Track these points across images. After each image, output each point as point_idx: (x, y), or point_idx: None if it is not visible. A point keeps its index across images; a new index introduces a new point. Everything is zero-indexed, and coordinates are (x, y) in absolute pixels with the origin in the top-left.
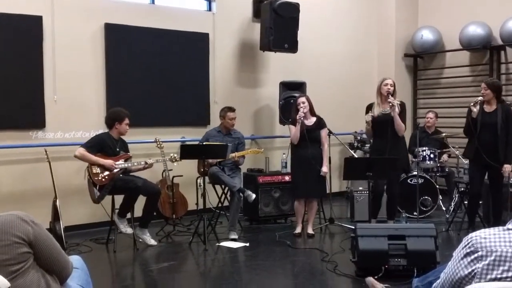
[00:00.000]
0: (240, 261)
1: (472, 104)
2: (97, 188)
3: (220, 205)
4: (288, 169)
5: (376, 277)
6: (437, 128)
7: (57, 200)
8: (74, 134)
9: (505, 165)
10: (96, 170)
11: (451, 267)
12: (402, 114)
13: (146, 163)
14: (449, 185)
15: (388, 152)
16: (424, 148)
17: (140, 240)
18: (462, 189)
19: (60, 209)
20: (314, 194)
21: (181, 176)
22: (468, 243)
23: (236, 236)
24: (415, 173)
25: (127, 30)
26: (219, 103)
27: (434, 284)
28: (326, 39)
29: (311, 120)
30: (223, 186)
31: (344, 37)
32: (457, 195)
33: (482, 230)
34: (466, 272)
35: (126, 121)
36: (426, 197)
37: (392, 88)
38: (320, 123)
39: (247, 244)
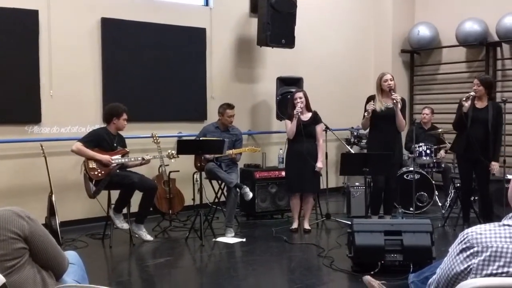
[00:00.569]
0: (237, 257)
1: (463, 98)
2: (93, 183)
3: (216, 200)
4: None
5: (372, 272)
6: (433, 124)
7: (53, 195)
8: (70, 129)
9: (493, 163)
10: (93, 165)
11: (447, 263)
12: (403, 109)
13: (143, 159)
14: (445, 180)
15: (389, 147)
16: (420, 144)
17: (136, 235)
18: (458, 185)
19: (55, 204)
20: (309, 189)
21: (178, 171)
22: (463, 239)
23: (232, 234)
24: (411, 168)
25: (124, 25)
26: (216, 99)
27: (430, 279)
28: (323, 35)
29: (307, 116)
30: (219, 182)
31: (341, 32)
32: (453, 191)
33: (478, 226)
34: (462, 267)
35: (124, 116)
36: (422, 192)
37: (392, 83)
38: (316, 119)
39: (244, 240)
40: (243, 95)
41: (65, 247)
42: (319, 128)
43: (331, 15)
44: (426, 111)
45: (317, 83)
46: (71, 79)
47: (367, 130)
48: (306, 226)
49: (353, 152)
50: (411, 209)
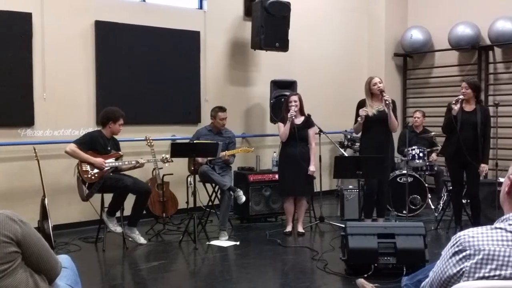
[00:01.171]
0: (231, 260)
1: (453, 102)
2: (86, 186)
3: (210, 203)
4: None
5: (365, 275)
6: (425, 127)
7: (46, 199)
8: (63, 132)
9: (482, 165)
10: (86, 167)
11: (439, 266)
12: (394, 111)
13: (137, 162)
14: (438, 183)
15: (381, 149)
16: (413, 147)
17: (130, 239)
18: (451, 187)
19: (48, 208)
20: (302, 192)
21: (171, 174)
22: (456, 242)
23: (226, 237)
24: (404, 171)
25: (118, 28)
26: (210, 102)
27: (423, 282)
28: (316, 38)
29: (300, 119)
30: (213, 185)
31: (335, 36)
32: (445, 194)
33: (470, 229)
34: (455, 270)
35: (121, 121)
36: (415, 195)
37: (382, 85)
38: (309, 122)
39: (238, 243)
40: (237, 98)
41: (58, 251)
42: (312, 131)
43: (325, 19)
44: (418, 114)
45: (310, 86)
46: (64, 82)
47: (360, 133)
48: (300, 229)
49: (346, 155)
50: (404, 212)
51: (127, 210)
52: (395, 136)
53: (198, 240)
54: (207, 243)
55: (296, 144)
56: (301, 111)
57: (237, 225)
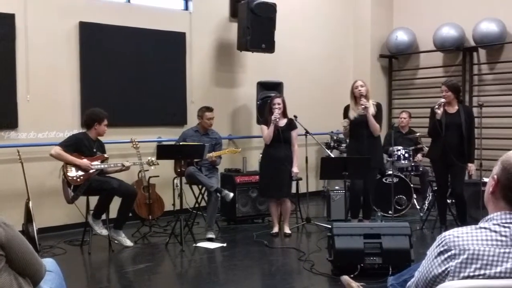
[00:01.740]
0: (217, 262)
1: (436, 106)
2: (72, 188)
3: (197, 205)
4: None
5: (352, 275)
6: (411, 128)
7: (30, 202)
8: (47, 134)
9: (469, 164)
10: (71, 170)
11: (425, 266)
12: (378, 114)
13: (123, 165)
14: (423, 184)
15: (365, 152)
16: (398, 148)
17: (116, 241)
18: (436, 188)
19: (33, 211)
20: (280, 194)
21: (158, 176)
22: (441, 242)
23: (213, 236)
24: (390, 172)
25: (103, 29)
26: (196, 103)
27: (409, 282)
28: (302, 40)
29: (283, 121)
30: (200, 186)
31: (321, 37)
32: (430, 194)
33: (455, 229)
34: (440, 270)
35: (105, 122)
36: (400, 196)
37: (364, 89)
38: (291, 124)
39: (224, 245)
40: (223, 99)
41: (43, 254)
42: (295, 133)
43: (311, 20)
44: (404, 115)
45: (297, 87)
46: (48, 84)
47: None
48: (287, 230)
49: (333, 156)
50: (390, 212)
51: (113, 213)
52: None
53: (185, 242)
54: (194, 245)
55: (280, 146)
56: (284, 113)
57: (224, 227)
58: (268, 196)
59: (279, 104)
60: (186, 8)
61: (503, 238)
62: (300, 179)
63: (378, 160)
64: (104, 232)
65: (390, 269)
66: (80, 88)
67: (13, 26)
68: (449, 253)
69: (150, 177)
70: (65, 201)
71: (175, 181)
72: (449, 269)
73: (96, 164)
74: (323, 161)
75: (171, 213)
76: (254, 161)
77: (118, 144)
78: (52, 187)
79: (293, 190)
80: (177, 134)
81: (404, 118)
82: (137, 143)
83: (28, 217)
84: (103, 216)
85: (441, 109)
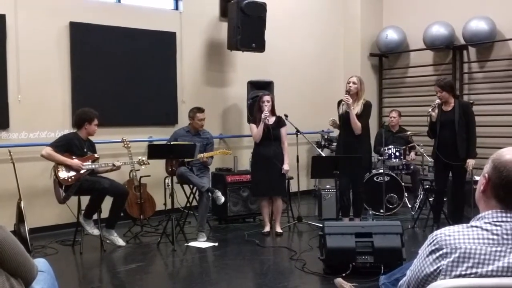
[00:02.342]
0: (209, 261)
1: (430, 110)
2: (63, 188)
3: (188, 205)
4: None
5: (343, 274)
6: (401, 126)
7: (22, 202)
8: (39, 134)
9: (468, 160)
10: (63, 170)
11: (416, 265)
12: (364, 113)
13: (114, 165)
14: (414, 182)
15: (350, 149)
16: (389, 147)
17: (108, 241)
18: (427, 186)
19: (24, 211)
20: (275, 192)
21: (149, 176)
22: (433, 241)
23: (204, 238)
24: (381, 171)
25: (93, 29)
26: (187, 103)
27: (401, 281)
28: (293, 39)
29: (272, 119)
30: (191, 186)
31: (311, 37)
32: (422, 192)
33: (447, 227)
34: (432, 269)
35: (96, 121)
36: (392, 194)
37: (354, 86)
38: (280, 122)
39: (216, 244)
40: (214, 99)
41: (35, 254)
42: (284, 130)
43: (301, 20)
44: (394, 114)
45: (287, 86)
46: (39, 84)
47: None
48: (278, 229)
49: (323, 155)
50: (381, 211)
51: (105, 212)
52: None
53: (176, 242)
54: (186, 244)
55: (270, 144)
56: (272, 111)
57: (215, 226)
58: (260, 195)
59: (268, 101)
60: (176, 8)
61: (495, 237)
62: (291, 178)
63: (366, 158)
64: (96, 232)
65: (382, 268)
66: (71, 88)
67: (4, 27)
68: (440, 252)
69: (141, 177)
70: (57, 201)
71: (167, 180)
72: (441, 267)
73: (87, 164)
74: (314, 160)
75: (163, 213)
76: (245, 160)
77: (109, 144)
78: (43, 187)
79: (285, 189)
80: (168, 133)
81: (394, 117)
82: (128, 142)
83: (20, 217)
84: (95, 216)
85: (436, 110)
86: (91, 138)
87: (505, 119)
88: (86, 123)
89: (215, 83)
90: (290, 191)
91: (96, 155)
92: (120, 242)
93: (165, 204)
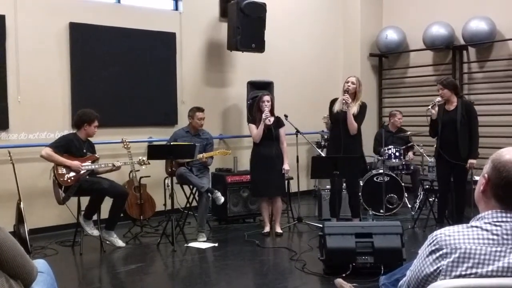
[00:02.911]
0: (209, 262)
1: (429, 107)
2: (63, 189)
3: (188, 205)
4: None
5: (344, 275)
6: (401, 126)
7: (21, 203)
8: (38, 135)
9: (470, 160)
10: (62, 170)
11: (416, 265)
12: (360, 114)
13: (113, 165)
14: (414, 182)
15: (343, 149)
16: (389, 147)
17: (108, 242)
18: (427, 186)
19: (24, 212)
20: (276, 192)
21: (149, 176)
22: (433, 241)
23: (204, 239)
24: (381, 171)
25: (93, 30)
26: (187, 103)
27: (401, 281)
28: (292, 39)
29: (271, 119)
30: (191, 187)
31: (311, 37)
32: (422, 193)
33: (447, 227)
34: (432, 269)
35: (96, 123)
36: (392, 194)
37: (352, 86)
38: (279, 122)
39: (216, 244)
40: (214, 99)
41: (35, 255)
42: (283, 131)
43: (300, 20)
44: (399, 115)
45: (287, 87)
46: (39, 85)
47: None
48: (278, 229)
49: (323, 155)
50: (381, 211)
51: (104, 213)
52: (371, 137)
53: (176, 242)
54: (185, 245)
55: (270, 144)
56: (271, 111)
57: (215, 227)
58: (261, 195)
59: (268, 101)
60: (176, 8)
61: (495, 237)
62: (291, 178)
63: (362, 159)
64: (95, 232)
65: (382, 268)
66: (71, 89)
67: (4, 27)
68: (440, 252)
69: (141, 177)
70: (56, 202)
71: (166, 181)
72: (440, 268)
73: (87, 165)
74: (314, 160)
75: (162, 213)
76: (245, 161)
77: (109, 144)
78: (43, 188)
79: (285, 189)
80: (168, 134)
81: (399, 119)
82: (128, 143)
83: (20, 218)
84: (94, 217)
85: (436, 108)
86: (91, 138)
87: (505, 119)
88: (85, 124)
89: (215, 83)
90: (290, 191)
91: (96, 156)
92: (120, 243)
93: (165, 204)
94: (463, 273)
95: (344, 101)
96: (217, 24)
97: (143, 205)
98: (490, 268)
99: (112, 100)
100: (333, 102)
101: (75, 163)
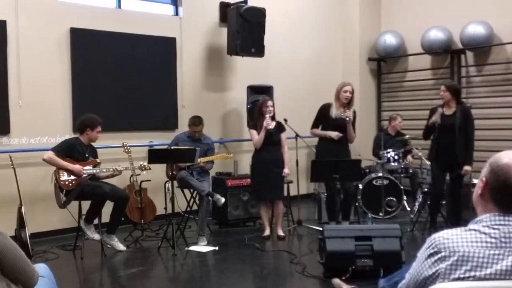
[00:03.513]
0: (210, 265)
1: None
2: (64, 193)
3: (188, 209)
4: None
5: (343, 278)
6: (400, 130)
7: (23, 207)
8: (39, 139)
9: (465, 167)
10: (63, 174)
11: (415, 268)
12: (355, 122)
13: (115, 170)
14: (413, 185)
15: (337, 155)
16: (388, 150)
17: (109, 246)
18: (426, 189)
19: (25, 216)
20: (278, 196)
21: (149, 180)
22: (431, 244)
23: (205, 242)
24: (380, 174)
25: (93, 35)
26: (187, 107)
27: (400, 284)
28: (292, 44)
29: (272, 124)
30: (191, 190)
31: (310, 41)
32: (421, 195)
33: (445, 230)
34: (430, 272)
35: (98, 128)
36: (391, 198)
37: (351, 96)
38: (280, 127)
39: (216, 248)
40: (214, 103)
41: (36, 259)
42: (284, 135)
43: (299, 25)
44: (399, 119)
45: (286, 91)
46: (40, 89)
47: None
48: (280, 232)
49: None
50: (380, 214)
51: (105, 217)
52: (370, 139)
53: (177, 246)
54: (186, 248)
55: (271, 149)
56: (272, 116)
57: (215, 230)
58: (262, 199)
59: (271, 106)
60: (176, 13)
61: (493, 240)
62: (291, 182)
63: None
64: (96, 236)
65: (381, 271)
66: (72, 93)
67: (5, 32)
68: (439, 255)
69: (142, 181)
70: (57, 206)
71: (167, 185)
72: (439, 271)
73: (88, 169)
74: (314, 164)
75: (163, 217)
76: (245, 165)
77: (110, 148)
78: (44, 192)
79: (284, 193)
80: (169, 138)
81: (400, 122)
82: (128, 147)
83: (21, 222)
84: (95, 221)
85: (437, 115)
86: (92, 143)
87: (503, 123)
88: (88, 129)
89: (215, 87)
90: (290, 194)
91: (97, 160)
92: (121, 247)
93: (165, 208)
94: (462, 276)
95: (348, 118)
96: (217, 29)
97: (143, 209)
98: (488, 271)
99: (112, 105)
100: (325, 107)
101: (76, 167)
